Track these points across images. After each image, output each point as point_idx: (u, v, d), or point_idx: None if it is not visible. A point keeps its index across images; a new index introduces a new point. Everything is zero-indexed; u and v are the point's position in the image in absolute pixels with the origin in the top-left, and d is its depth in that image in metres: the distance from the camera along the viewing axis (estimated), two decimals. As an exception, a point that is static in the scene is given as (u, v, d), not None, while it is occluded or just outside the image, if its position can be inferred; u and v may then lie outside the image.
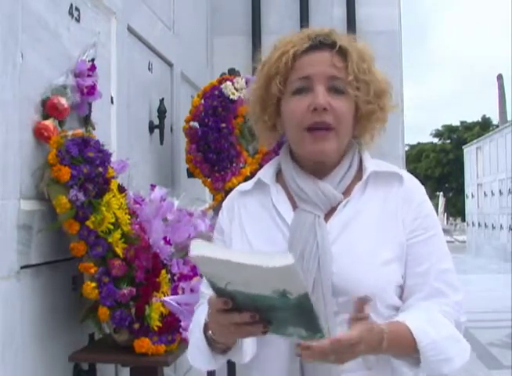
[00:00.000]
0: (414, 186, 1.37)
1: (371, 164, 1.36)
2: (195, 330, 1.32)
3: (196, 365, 1.33)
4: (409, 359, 1.25)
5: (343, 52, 1.31)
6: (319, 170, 1.35)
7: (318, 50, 1.32)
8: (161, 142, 3.11)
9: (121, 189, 2.03)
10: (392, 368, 1.28)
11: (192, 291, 2.09)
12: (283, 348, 1.27)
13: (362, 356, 1.16)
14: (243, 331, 1.12)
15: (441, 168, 33.45)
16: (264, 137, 1.44)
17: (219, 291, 1.09)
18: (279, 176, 1.41)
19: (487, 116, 34.63)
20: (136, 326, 1.87)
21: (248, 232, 1.37)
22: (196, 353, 1.31)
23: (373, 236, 1.29)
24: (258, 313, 1.08)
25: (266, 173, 1.42)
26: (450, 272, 1.33)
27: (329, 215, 1.33)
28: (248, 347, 1.28)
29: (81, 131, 1.97)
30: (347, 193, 1.34)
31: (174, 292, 2.04)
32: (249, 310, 1.08)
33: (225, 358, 1.29)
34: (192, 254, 1.03)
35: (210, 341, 1.25)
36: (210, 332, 1.23)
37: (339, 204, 1.33)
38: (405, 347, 1.22)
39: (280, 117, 1.37)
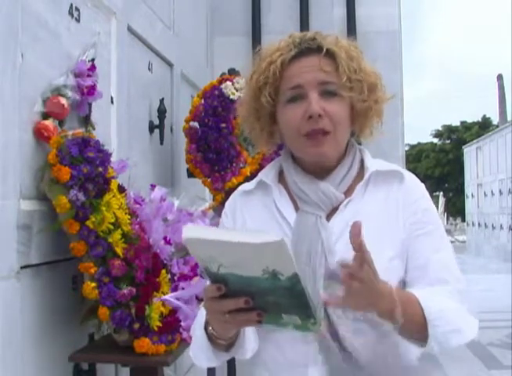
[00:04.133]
0: (414, 183, 1.38)
1: (372, 164, 1.37)
2: (197, 327, 1.33)
3: (198, 362, 1.34)
4: (417, 335, 1.23)
5: (331, 55, 1.31)
6: (319, 171, 1.35)
7: (305, 56, 1.31)
8: (161, 142, 3.11)
9: (121, 189, 2.03)
10: (400, 346, 1.26)
11: (192, 290, 2.09)
12: (284, 343, 1.27)
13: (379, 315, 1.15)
14: (237, 319, 1.11)
15: (441, 168, 33.42)
16: (261, 144, 1.45)
17: (213, 276, 1.09)
18: (281, 177, 1.42)
19: (487, 116, 34.65)
20: (136, 326, 1.87)
21: None
22: (198, 351, 1.31)
23: (375, 235, 1.29)
24: (252, 300, 1.08)
25: (268, 173, 1.42)
26: (452, 264, 1.33)
27: (330, 215, 1.33)
28: (250, 343, 1.28)
29: (81, 131, 1.97)
30: (348, 192, 1.34)
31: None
32: (243, 296, 1.08)
33: (229, 355, 1.29)
34: (183, 237, 1.04)
35: (212, 339, 1.25)
36: (210, 328, 1.23)
37: (340, 203, 1.33)
38: (413, 314, 1.20)
39: (276, 124, 1.38)
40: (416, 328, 1.22)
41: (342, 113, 1.31)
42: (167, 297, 1.95)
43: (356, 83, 1.31)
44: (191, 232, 1.04)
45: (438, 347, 1.23)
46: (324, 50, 1.30)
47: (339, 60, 1.30)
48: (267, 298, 1.07)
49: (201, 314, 1.32)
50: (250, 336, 1.28)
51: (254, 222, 1.39)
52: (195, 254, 1.08)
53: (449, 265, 1.33)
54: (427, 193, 1.38)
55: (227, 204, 1.46)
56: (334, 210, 1.33)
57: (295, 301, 1.07)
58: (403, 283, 1.32)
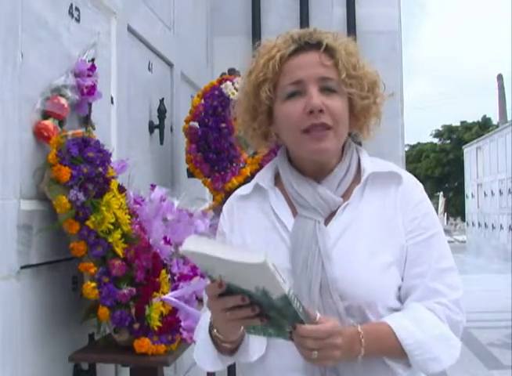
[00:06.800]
0: (412, 186, 1.35)
1: (369, 165, 1.35)
2: (201, 331, 1.33)
3: (202, 366, 1.34)
4: (401, 360, 1.24)
5: (330, 51, 1.30)
6: (317, 172, 1.33)
7: (304, 51, 1.30)
8: (161, 142, 3.11)
9: (121, 189, 2.03)
10: (387, 368, 1.27)
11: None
12: (283, 348, 1.26)
13: (345, 358, 1.18)
14: (237, 316, 1.12)
15: (441, 168, 33.41)
16: (256, 144, 1.42)
17: (214, 280, 1.12)
18: (277, 179, 1.40)
19: (487, 116, 34.63)
20: (136, 326, 1.87)
21: (248, 236, 1.37)
22: (202, 354, 1.31)
23: (373, 240, 1.28)
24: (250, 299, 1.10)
25: (264, 177, 1.40)
26: (450, 272, 1.31)
27: (328, 218, 1.31)
28: (254, 347, 1.28)
29: (81, 131, 1.97)
30: (346, 195, 1.33)
31: (174, 292, 2.04)
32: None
33: (233, 359, 1.30)
34: (182, 249, 1.07)
35: (217, 342, 1.26)
36: (215, 331, 1.24)
37: (338, 207, 1.31)
38: (389, 347, 1.23)
39: (272, 125, 1.36)
40: (396, 357, 1.24)
41: (342, 110, 1.30)
42: (167, 296, 1.95)
43: (356, 79, 1.30)
44: (189, 244, 1.07)
45: (421, 370, 1.27)
46: (324, 45, 1.29)
47: (338, 56, 1.29)
48: (266, 310, 1.10)
49: (204, 319, 1.33)
50: (255, 340, 1.27)
51: (251, 226, 1.37)
52: (196, 263, 1.11)
53: (448, 273, 1.31)
54: (425, 195, 1.36)
55: (224, 207, 1.45)
56: (332, 214, 1.31)
57: (290, 320, 1.10)
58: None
